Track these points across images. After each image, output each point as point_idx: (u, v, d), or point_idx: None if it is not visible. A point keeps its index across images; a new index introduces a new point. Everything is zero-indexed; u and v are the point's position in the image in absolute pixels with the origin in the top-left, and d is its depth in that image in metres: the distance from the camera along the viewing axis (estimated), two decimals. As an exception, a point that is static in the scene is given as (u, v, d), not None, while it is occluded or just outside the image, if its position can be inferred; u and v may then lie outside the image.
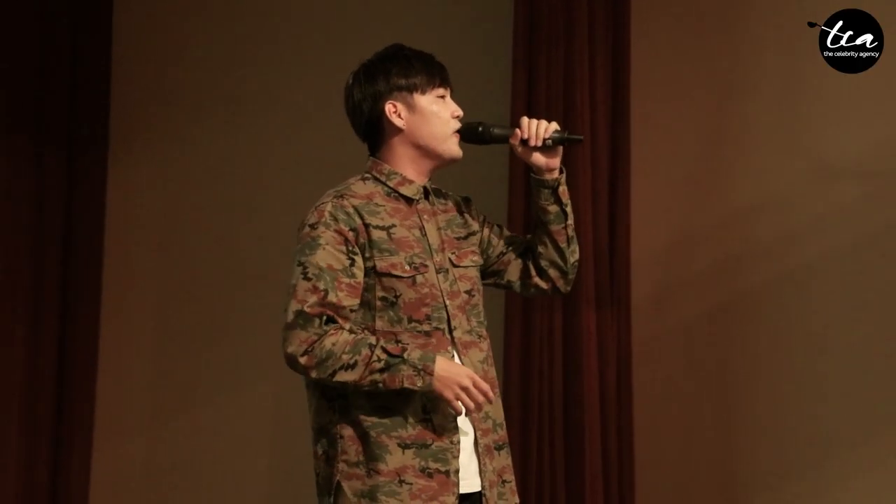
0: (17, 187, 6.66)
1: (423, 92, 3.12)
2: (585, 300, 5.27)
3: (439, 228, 3.16)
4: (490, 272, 3.34)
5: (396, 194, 3.14)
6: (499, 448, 3.19)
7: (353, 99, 3.21)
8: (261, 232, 6.65)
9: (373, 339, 3.01)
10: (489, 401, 3.05)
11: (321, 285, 3.00)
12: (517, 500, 3.23)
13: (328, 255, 3.01)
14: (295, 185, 6.61)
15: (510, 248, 3.32)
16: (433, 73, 3.14)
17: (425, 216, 3.12)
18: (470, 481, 3.10)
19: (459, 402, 3.00)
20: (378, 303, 3.03)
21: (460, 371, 3.00)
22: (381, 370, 2.96)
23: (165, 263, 6.87)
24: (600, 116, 5.44)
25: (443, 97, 3.15)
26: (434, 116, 3.12)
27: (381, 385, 2.97)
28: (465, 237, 3.23)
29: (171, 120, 6.85)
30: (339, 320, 3.03)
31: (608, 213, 5.40)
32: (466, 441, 3.09)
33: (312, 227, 3.04)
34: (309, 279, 3.00)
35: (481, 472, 3.09)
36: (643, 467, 5.45)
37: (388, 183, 3.15)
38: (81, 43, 6.85)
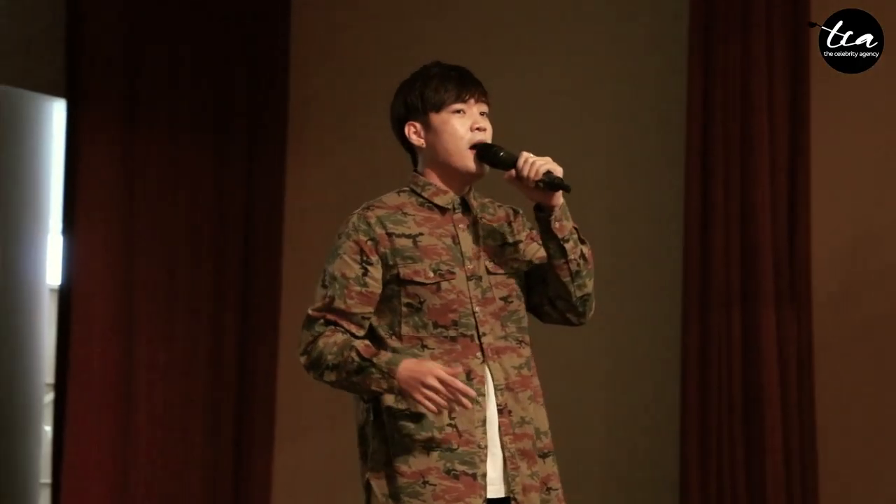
0: (200, 189, 6.79)
1: (438, 110, 3.18)
2: (764, 299, 5.17)
3: (479, 237, 3.20)
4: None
5: (430, 204, 3.21)
6: (543, 456, 3.18)
7: (390, 118, 3.35)
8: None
9: (357, 342, 3.11)
10: (470, 397, 3.02)
11: (330, 292, 3.13)
12: None
13: (343, 263, 3.14)
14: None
15: (537, 272, 3.29)
16: (448, 88, 3.18)
17: (461, 225, 3.18)
18: (496, 487, 3.10)
19: (429, 402, 3.01)
20: (404, 309, 3.10)
21: (423, 370, 3.01)
22: (356, 372, 3.07)
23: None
24: (779, 112, 5.33)
25: (460, 111, 3.19)
26: (447, 133, 3.18)
27: (358, 387, 3.08)
28: (510, 244, 3.25)
29: (348, 120, 6.90)
30: (349, 325, 3.16)
31: (787, 210, 5.29)
32: (494, 447, 3.10)
33: (339, 236, 3.20)
34: (324, 286, 3.15)
35: (508, 478, 3.09)
36: (826, 472, 5.31)
37: (423, 194, 3.23)
38: (260, 45, 6.96)
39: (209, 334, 6.79)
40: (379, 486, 3.09)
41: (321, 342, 3.13)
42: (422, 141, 3.21)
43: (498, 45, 6.33)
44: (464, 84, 3.19)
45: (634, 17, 6.03)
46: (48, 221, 6.64)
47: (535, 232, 3.27)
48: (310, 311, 3.17)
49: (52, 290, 6.68)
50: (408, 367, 3.02)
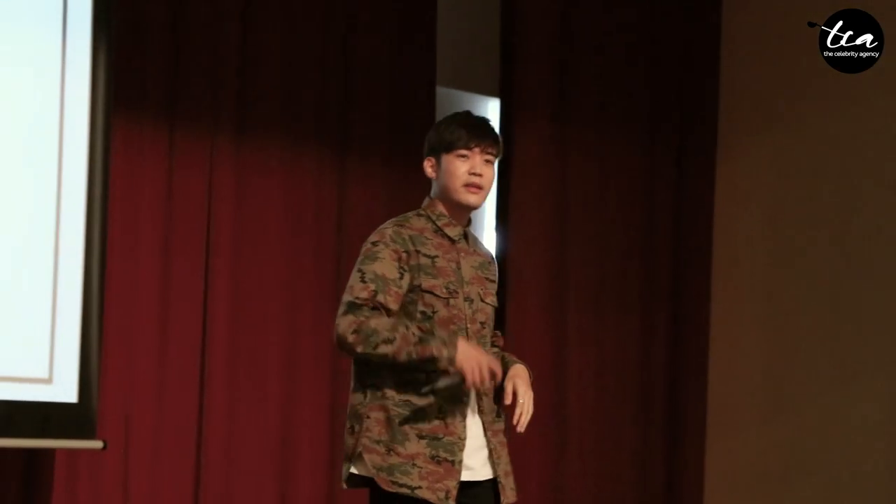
0: (630, 189, 6.85)
1: (448, 151, 3.72)
2: None
3: (473, 267, 3.79)
4: None
5: (442, 233, 3.77)
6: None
7: None
8: (874, 223, 6.48)
9: (407, 322, 3.66)
10: (495, 378, 3.64)
11: (373, 287, 3.66)
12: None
13: (384, 266, 3.68)
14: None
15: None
16: (460, 135, 3.72)
17: (463, 254, 3.77)
18: (479, 471, 3.69)
19: (475, 378, 3.58)
20: (418, 315, 3.67)
21: (484, 356, 3.61)
22: (416, 343, 3.58)
23: (774, 258, 6.82)
24: None
25: (465, 156, 3.72)
26: (449, 172, 3.73)
27: (413, 355, 3.58)
28: (490, 280, 3.83)
29: (780, 109, 6.81)
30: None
31: None
32: (480, 438, 3.70)
33: (374, 244, 3.71)
34: (365, 282, 3.66)
35: (493, 465, 3.70)
36: None
37: (437, 223, 3.80)
38: (691, 43, 6.99)
39: (639, 329, 6.83)
40: (371, 459, 3.64)
41: (373, 322, 3.61)
42: (434, 174, 3.78)
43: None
44: (473, 133, 3.72)
45: None
46: (483, 218, 6.83)
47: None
48: (353, 299, 3.65)
49: (487, 286, 6.86)
50: (465, 344, 3.61)
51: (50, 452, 5.24)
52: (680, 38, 6.99)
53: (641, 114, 6.90)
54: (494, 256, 3.92)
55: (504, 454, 3.75)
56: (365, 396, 3.69)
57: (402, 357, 3.58)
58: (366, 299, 3.64)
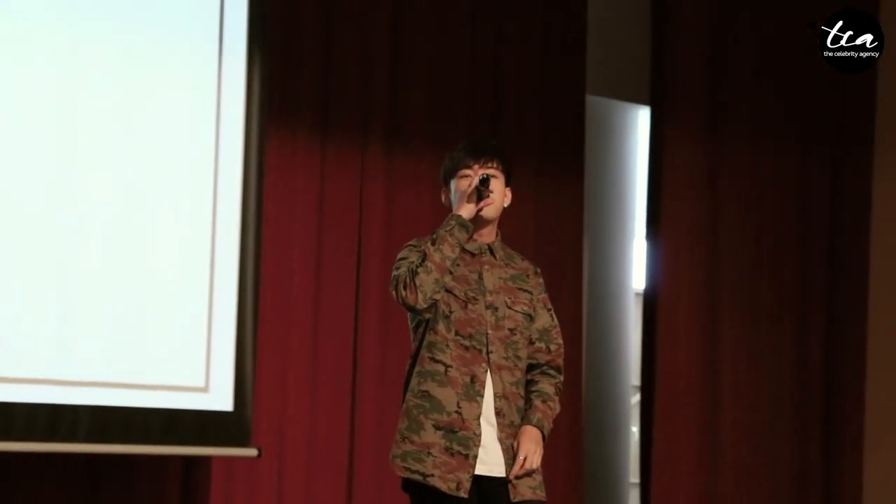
0: (783, 194, 6.77)
1: (453, 177, 3.90)
2: None
3: (501, 278, 3.91)
4: None
5: (463, 249, 3.89)
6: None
7: None
8: None
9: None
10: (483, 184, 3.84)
11: (403, 266, 3.83)
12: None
13: (409, 255, 3.86)
14: None
15: (531, 345, 3.92)
16: (459, 159, 3.88)
17: (486, 266, 3.90)
18: (494, 468, 3.79)
19: (469, 187, 3.82)
20: (441, 312, 3.84)
21: (461, 198, 3.86)
22: (441, 238, 3.81)
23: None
24: None
25: (467, 175, 3.86)
26: (455, 193, 3.89)
27: (439, 244, 3.79)
28: (526, 291, 3.92)
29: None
30: None
31: None
32: (494, 438, 3.80)
33: (404, 248, 3.90)
34: (398, 268, 3.84)
35: (506, 465, 3.79)
36: None
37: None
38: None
39: (793, 337, 6.75)
40: (392, 449, 3.84)
41: (402, 268, 3.82)
42: (447, 201, 3.94)
43: None
44: (470, 153, 3.89)
45: None
46: (633, 227, 6.81)
47: (545, 297, 3.95)
48: (392, 278, 3.86)
49: (636, 294, 6.85)
50: (456, 207, 3.86)
51: (207, 459, 5.35)
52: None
53: (796, 123, 6.81)
54: (537, 270, 3.99)
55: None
56: (405, 392, 3.91)
57: (435, 248, 3.78)
58: (400, 272, 3.85)
